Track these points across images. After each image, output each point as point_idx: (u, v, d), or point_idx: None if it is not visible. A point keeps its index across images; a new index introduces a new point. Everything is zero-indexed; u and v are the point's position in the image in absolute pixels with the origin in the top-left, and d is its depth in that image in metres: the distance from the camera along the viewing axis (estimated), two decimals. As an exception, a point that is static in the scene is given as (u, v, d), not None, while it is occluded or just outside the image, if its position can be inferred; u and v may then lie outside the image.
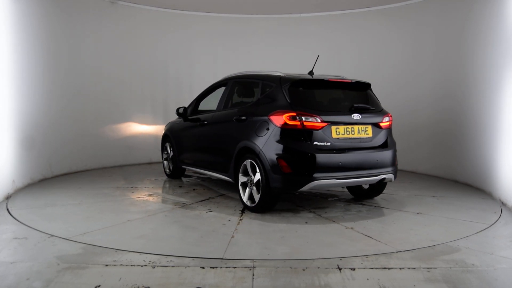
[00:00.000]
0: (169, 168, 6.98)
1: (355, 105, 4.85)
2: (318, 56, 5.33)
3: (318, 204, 5.30)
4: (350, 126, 4.72)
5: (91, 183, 6.50)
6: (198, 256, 3.43)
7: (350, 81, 5.05)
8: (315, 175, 4.43)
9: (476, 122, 6.35)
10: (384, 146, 4.96)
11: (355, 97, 5.14)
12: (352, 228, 4.27)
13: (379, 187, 5.40)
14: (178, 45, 8.94)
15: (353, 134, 4.74)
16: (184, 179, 6.96)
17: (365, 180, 4.80)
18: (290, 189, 4.70)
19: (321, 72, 6.23)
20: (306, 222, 4.47)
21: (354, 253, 3.52)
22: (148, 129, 8.82)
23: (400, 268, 3.23)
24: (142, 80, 8.64)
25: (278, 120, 4.57)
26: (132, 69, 8.46)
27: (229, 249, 3.60)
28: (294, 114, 4.52)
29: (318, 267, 3.24)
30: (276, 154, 4.51)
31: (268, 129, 4.64)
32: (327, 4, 8.45)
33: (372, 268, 3.22)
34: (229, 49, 9.15)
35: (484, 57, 6.15)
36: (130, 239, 3.88)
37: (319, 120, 4.55)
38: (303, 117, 4.51)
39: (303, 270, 3.18)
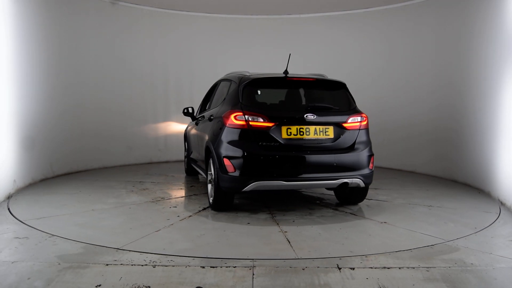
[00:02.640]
0: (186, 166, 7.33)
1: (309, 105, 4.68)
2: (290, 54, 5.24)
3: (290, 206, 5.14)
4: (304, 127, 4.50)
5: (113, 175, 7.15)
6: (94, 243, 3.70)
7: (313, 79, 4.94)
8: (258, 175, 4.37)
9: (475, 122, 6.36)
10: (350, 148, 4.65)
11: (319, 96, 5.02)
12: (286, 232, 4.10)
13: (358, 192, 5.03)
14: (178, 45, 8.95)
15: (308, 135, 4.51)
16: (200, 176, 7.11)
17: (320, 183, 4.60)
18: (235, 189, 4.53)
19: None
20: (248, 223, 4.41)
21: (246, 256, 3.43)
22: (148, 128, 8.83)
23: (400, 268, 3.24)
24: (142, 80, 8.65)
25: (228, 119, 4.56)
26: (133, 69, 8.48)
27: (136, 242, 3.75)
28: (241, 113, 4.49)
29: (318, 267, 3.25)
30: (223, 153, 4.51)
31: (221, 128, 4.65)
32: (327, 5, 8.47)
33: (371, 268, 3.24)
34: (229, 49, 9.17)
35: (483, 56, 6.16)
36: (65, 225, 4.25)
37: (266, 120, 4.45)
38: (249, 117, 4.46)
39: (303, 269, 3.20)
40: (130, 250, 3.53)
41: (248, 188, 4.39)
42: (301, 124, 4.50)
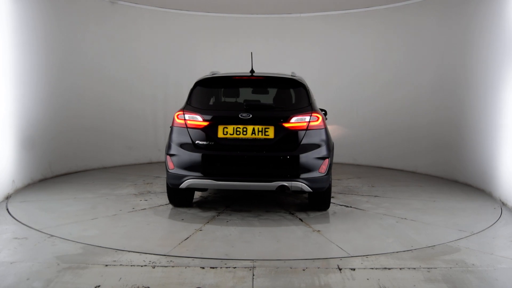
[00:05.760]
0: None
1: (247, 103, 4.67)
2: (252, 53, 5.20)
3: (251, 207, 5.07)
4: (241, 126, 4.42)
5: (138, 170, 7.53)
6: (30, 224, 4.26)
7: (262, 77, 4.91)
8: (189, 173, 4.43)
9: (476, 122, 6.35)
10: (293, 149, 4.40)
11: (268, 94, 5.01)
12: (200, 230, 4.13)
13: (318, 198, 4.79)
14: (178, 44, 8.93)
15: (246, 134, 4.41)
16: None
17: (254, 185, 4.40)
18: (175, 185, 4.55)
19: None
20: (182, 219, 4.54)
21: (122, 248, 3.59)
22: (148, 129, 8.82)
23: (400, 268, 3.23)
24: (142, 79, 8.63)
25: (173, 119, 4.70)
26: (132, 68, 8.46)
27: (60, 226, 4.20)
28: (182, 113, 4.62)
29: (318, 267, 3.24)
30: (166, 151, 4.64)
31: (170, 127, 4.77)
32: (327, 4, 8.45)
33: (372, 268, 3.23)
34: (229, 48, 9.15)
35: (484, 56, 6.14)
36: (29, 209, 4.83)
37: (200, 119, 4.51)
38: (187, 116, 4.56)
39: (303, 270, 3.19)
40: (129, 251, 3.52)
41: (183, 185, 4.46)
42: (238, 124, 4.43)
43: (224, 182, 4.44)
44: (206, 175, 4.41)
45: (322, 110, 5.86)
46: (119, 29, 8.19)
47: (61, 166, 7.04)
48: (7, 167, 5.42)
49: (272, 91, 5.17)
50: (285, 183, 4.33)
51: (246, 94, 5.43)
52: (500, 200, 5.43)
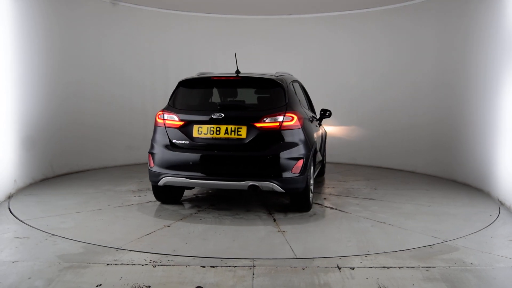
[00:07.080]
0: None
1: (220, 103, 4.80)
2: (236, 53, 5.24)
3: (234, 205, 5.13)
4: (215, 126, 4.49)
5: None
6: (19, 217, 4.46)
7: (238, 78, 4.98)
8: (166, 171, 4.56)
9: (475, 122, 6.37)
10: (264, 149, 4.39)
11: (244, 95, 5.14)
12: (168, 226, 4.25)
13: (297, 199, 4.76)
14: (178, 46, 8.95)
15: (219, 134, 4.49)
16: None
17: (225, 184, 4.49)
18: (155, 182, 4.70)
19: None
20: (160, 216, 4.68)
21: (83, 240, 3.76)
22: (149, 129, 8.82)
23: (399, 267, 3.25)
24: (142, 80, 8.65)
25: (155, 119, 4.85)
26: (133, 69, 8.48)
27: (41, 219, 4.39)
28: (162, 113, 4.79)
29: (318, 266, 3.26)
30: (149, 150, 4.80)
31: (154, 127, 4.89)
32: (327, 5, 8.47)
33: (371, 267, 3.24)
34: (228, 49, 9.12)
35: (483, 56, 6.17)
36: (25, 201, 5.15)
37: (177, 119, 4.65)
38: (165, 116, 4.74)
39: (303, 269, 3.21)
40: (130, 250, 3.54)
41: (160, 182, 4.62)
42: (211, 123, 4.53)
43: (196, 181, 4.54)
44: (180, 173, 4.52)
45: (326, 110, 5.89)
46: (119, 30, 8.22)
47: (62, 166, 7.06)
48: (8, 167, 5.44)
49: (252, 91, 5.26)
50: (256, 183, 4.35)
51: (226, 94, 5.47)
52: (498, 199, 5.45)
